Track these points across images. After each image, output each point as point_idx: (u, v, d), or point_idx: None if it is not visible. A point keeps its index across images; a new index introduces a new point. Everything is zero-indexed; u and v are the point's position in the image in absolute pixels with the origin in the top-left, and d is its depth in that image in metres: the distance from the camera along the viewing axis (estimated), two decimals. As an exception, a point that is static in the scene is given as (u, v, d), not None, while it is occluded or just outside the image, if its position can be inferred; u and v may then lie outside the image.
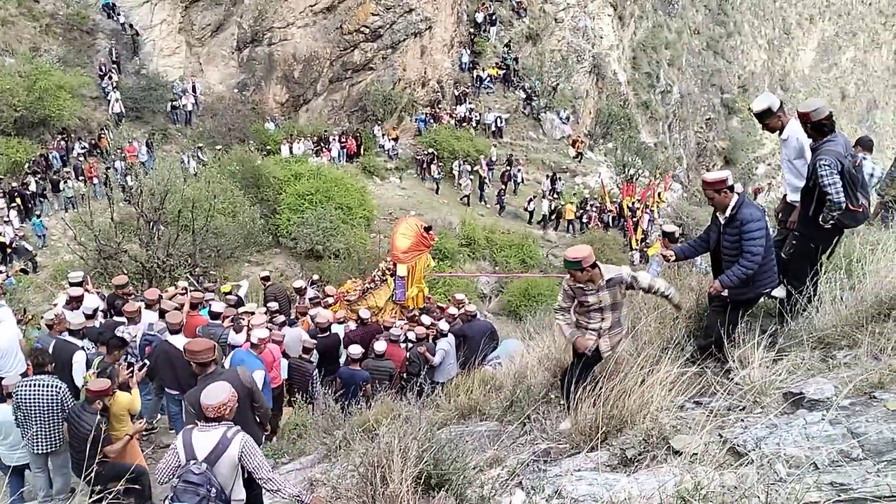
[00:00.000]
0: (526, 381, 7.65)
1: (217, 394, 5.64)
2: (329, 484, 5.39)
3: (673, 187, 43.49)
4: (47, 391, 8.29)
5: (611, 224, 37.40)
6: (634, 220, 36.08)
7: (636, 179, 39.30)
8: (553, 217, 37.00)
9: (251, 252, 25.62)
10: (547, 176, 39.93)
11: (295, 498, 5.48)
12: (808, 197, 6.29)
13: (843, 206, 5.94)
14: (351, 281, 16.43)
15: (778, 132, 6.59)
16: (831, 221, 6.10)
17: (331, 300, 14.42)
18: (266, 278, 16.39)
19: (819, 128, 6.14)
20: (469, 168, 38.58)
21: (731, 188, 6.16)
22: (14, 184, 27.24)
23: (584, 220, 37.01)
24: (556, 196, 38.24)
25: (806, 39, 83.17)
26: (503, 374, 9.40)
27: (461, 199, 36.99)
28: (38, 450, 8.42)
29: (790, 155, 6.49)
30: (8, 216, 25.48)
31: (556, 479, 4.85)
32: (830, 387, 4.99)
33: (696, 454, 4.43)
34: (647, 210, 36.94)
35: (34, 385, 8.30)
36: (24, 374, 8.88)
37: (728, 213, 6.15)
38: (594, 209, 37.63)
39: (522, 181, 39.37)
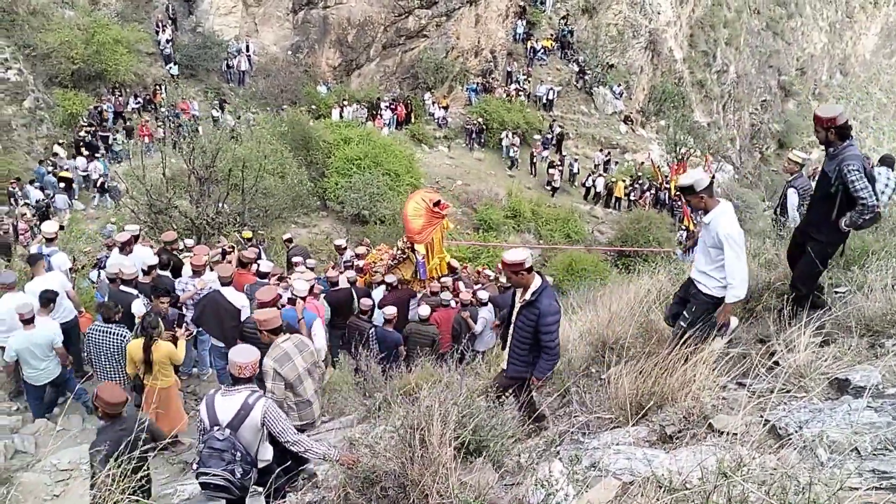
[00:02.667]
0: (567, 354, 7.66)
1: (248, 354, 5.76)
2: (367, 444, 5.44)
3: (724, 168, 42.87)
4: (114, 338, 9.23)
5: (665, 202, 36.98)
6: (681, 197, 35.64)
7: (687, 158, 38.79)
8: (606, 194, 36.76)
9: (298, 214, 25.80)
10: (601, 151, 39.67)
11: (323, 457, 5.57)
12: (827, 202, 6.18)
13: (876, 208, 5.90)
14: (376, 250, 16.39)
15: (702, 212, 6.29)
16: (860, 223, 6.07)
17: (361, 263, 14.60)
18: (289, 240, 16.52)
19: (842, 132, 6.05)
20: (518, 141, 38.42)
21: (530, 269, 6.18)
22: (82, 133, 27.74)
23: (634, 198, 36.68)
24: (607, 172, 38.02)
25: (869, 24, 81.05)
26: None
27: (550, 191, 36.71)
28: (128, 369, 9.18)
29: (708, 240, 6.24)
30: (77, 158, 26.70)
31: (593, 452, 4.86)
32: (877, 374, 4.94)
33: (737, 434, 4.41)
34: None
35: (104, 332, 9.23)
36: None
37: (528, 296, 6.18)
38: (644, 187, 37.27)
39: (573, 160, 39.07)
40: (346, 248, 16.07)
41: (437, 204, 13.88)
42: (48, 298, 9.55)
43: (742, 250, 5.97)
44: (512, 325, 6.41)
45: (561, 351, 6.21)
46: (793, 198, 9.74)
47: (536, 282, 6.20)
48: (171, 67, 33.95)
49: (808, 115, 57.48)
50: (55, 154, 26.94)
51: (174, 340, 9.22)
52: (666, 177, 37.52)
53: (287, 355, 6.87)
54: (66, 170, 26.10)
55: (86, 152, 27.05)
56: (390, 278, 13.17)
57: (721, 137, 49.74)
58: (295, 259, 13.87)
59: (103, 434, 6.14)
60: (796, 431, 4.35)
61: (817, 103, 64.13)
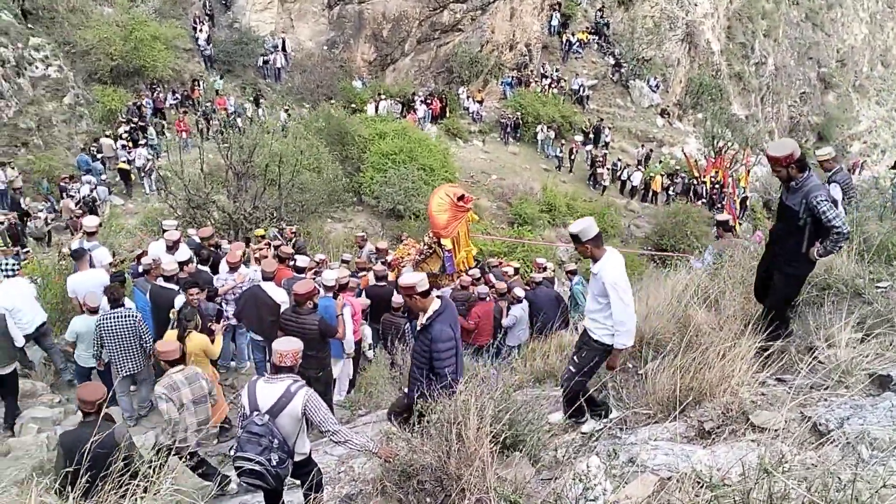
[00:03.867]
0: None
1: (290, 343, 5.81)
2: (404, 438, 5.46)
3: (762, 162, 42.34)
4: (127, 321, 9.53)
5: (703, 196, 36.64)
6: (725, 193, 35.32)
7: (725, 152, 38.40)
8: (643, 188, 36.52)
9: (334, 209, 25.93)
10: (642, 145, 39.46)
11: (363, 448, 5.59)
12: (795, 235, 6.11)
13: (850, 236, 5.96)
14: (403, 245, 16.44)
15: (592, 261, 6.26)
16: (834, 251, 6.03)
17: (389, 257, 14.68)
18: (295, 233, 16.69)
19: (801, 164, 6.02)
20: (553, 135, 38.31)
21: (427, 293, 6.14)
22: (121, 130, 28.14)
23: (672, 193, 36.39)
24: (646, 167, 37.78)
25: (912, 14, 79.65)
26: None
27: (601, 190, 36.50)
28: (123, 372, 9.48)
29: (596, 289, 6.21)
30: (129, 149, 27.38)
31: (631, 448, 4.85)
32: (920, 371, 4.88)
33: (777, 431, 4.37)
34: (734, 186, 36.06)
35: (115, 317, 9.53)
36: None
37: (423, 320, 6.16)
38: (685, 181, 36.99)
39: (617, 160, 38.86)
40: (367, 240, 16.26)
41: (461, 198, 13.93)
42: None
43: (629, 297, 5.99)
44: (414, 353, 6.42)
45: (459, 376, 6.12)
46: (836, 192, 9.64)
47: (434, 305, 6.17)
48: (213, 76, 34.36)
49: (849, 108, 56.79)
50: (97, 140, 27.56)
51: (211, 334, 9.33)
52: (703, 171, 37.19)
53: (175, 385, 7.29)
54: (125, 161, 26.71)
55: (128, 143, 27.58)
56: (379, 268, 13.17)
57: (759, 130, 49.12)
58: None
59: (69, 433, 6.55)
60: (837, 428, 4.31)
61: (857, 96, 63.27)
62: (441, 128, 37.00)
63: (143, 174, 27.03)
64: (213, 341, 9.26)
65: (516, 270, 15.41)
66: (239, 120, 28.08)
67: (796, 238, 6.07)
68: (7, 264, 17.18)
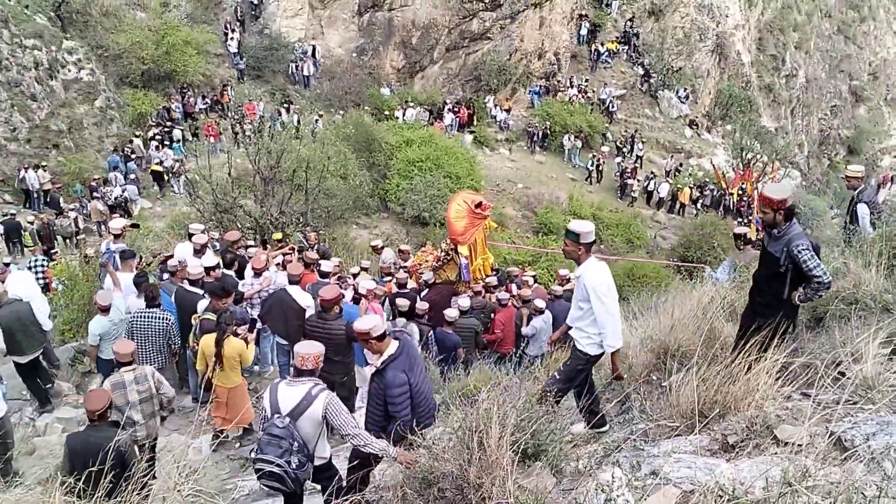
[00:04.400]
0: (627, 361, 7.59)
1: (312, 346, 5.85)
2: (426, 445, 5.47)
3: (792, 174, 42.04)
4: (159, 322, 9.89)
5: (731, 209, 36.42)
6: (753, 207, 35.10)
7: (754, 164, 38.15)
8: (670, 199, 36.36)
9: (359, 215, 26.02)
10: (671, 156, 39.32)
11: (382, 452, 5.60)
12: (776, 282, 6.12)
13: (831, 284, 5.90)
14: (421, 252, 16.47)
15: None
16: (814, 298, 6.06)
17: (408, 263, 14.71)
18: (319, 239, 16.77)
19: (789, 213, 6.04)
20: (580, 144, 38.26)
21: (382, 337, 6.17)
22: (150, 133, 28.45)
23: (701, 206, 36.18)
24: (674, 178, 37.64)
25: (945, 27, 78.82)
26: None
27: (629, 201, 36.42)
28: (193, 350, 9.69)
29: (578, 294, 6.23)
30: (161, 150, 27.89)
31: (653, 460, 4.82)
32: (949, 387, 4.82)
33: (801, 446, 4.33)
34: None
35: (148, 316, 9.88)
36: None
37: (378, 363, 6.21)
38: (714, 193, 36.78)
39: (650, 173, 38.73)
40: (383, 248, 16.31)
41: (478, 205, 13.96)
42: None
43: (612, 301, 6.05)
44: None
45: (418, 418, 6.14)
46: (863, 209, 9.58)
47: (389, 349, 6.20)
48: (240, 76, 34.73)
49: (880, 122, 56.21)
50: (131, 142, 27.99)
51: (244, 340, 9.43)
52: (731, 183, 36.95)
53: (122, 383, 7.66)
54: (157, 163, 27.10)
55: (156, 143, 28.00)
56: (427, 275, 13.20)
57: (789, 143, 48.73)
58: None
59: (75, 435, 6.82)
60: (863, 444, 4.26)
61: (889, 110, 62.66)
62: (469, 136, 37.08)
63: (171, 176, 27.30)
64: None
65: (535, 279, 15.38)
66: (276, 124, 28.42)
67: (778, 284, 6.11)
68: (37, 262, 17.52)
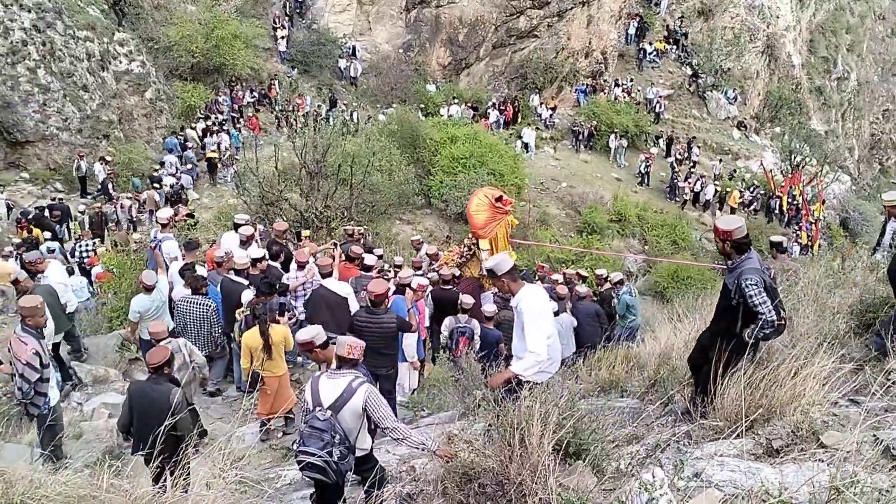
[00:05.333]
0: (671, 363, 7.54)
1: (350, 338, 5.91)
2: (466, 440, 5.48)
3: (841, 179, 41.40)
4: (201, 308, 10.23)
5: (777, 212, 35.95)
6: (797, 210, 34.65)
7: (802, 167, 37.60)
8: (717, 202, 35.95)
9: (403, 211, 26.09)
10: (720, 160, 38.91)
11: (421, 446, 5.62)
12: (730, 313, 6.08)
13: (776, 323, 5.80)
14: (448, 251, 16.53)
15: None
16: (762, 337, 5.94)
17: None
18: (362, 233, 16.72)
19: (739, 246, 6.03)
20: (625, 144, 38.00)
21: (326, 344, 6.33)
22: (202, 123, 28.79)
23: (752, 209, 35.71)
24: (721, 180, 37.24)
25: None
26: (646, 354, 9.30)
27: (679, 204, 36.11)
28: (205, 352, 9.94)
29: (517, 323, 6.32)
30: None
31: (696, 462, 4.79)
32: None
33: (848, 452, 4.27)
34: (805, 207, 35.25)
35: (192, 303, 10.26)
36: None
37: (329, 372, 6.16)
38: (766, 196, 36.32)
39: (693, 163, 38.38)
40: (422, 243, 16.53)
41: (499, 199, 14.03)
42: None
43: (545, 327, 6.29)
44: None
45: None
46: (893, 225, 9.61)
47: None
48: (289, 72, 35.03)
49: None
50: (182, 129, 28.67)
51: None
52: (780, 186, 36.46)
53: None
54: (215, 148, 27.61)
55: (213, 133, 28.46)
56: (445, 272, 13.15)
57: (839, 147, 48.03)
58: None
59: (135, 384, 7.67)
60: (912, 452, 4.19)
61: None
62: (513, 134, 36.99)
63: (222, 164, 27.72)
64: None
65: (568, 279, 15.31)
66: (329, 119, 28.86)
67: (732, 316, 6.08)
68: (85, 246, 17.93)
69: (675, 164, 37.09)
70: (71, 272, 16.60)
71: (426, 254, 15.16)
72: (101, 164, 24.59)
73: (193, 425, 7.17)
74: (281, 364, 9.12)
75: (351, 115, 33.09)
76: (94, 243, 19.19)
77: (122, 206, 23.10)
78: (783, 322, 6.04)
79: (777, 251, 11.42)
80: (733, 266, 6.08)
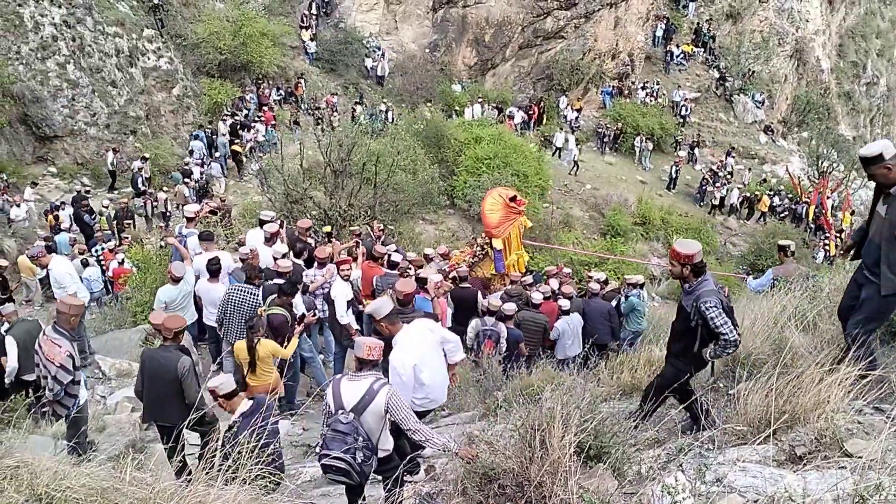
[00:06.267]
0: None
1: (370, 339, 5.90)
2: (487, 441, 5.47)
3: (868, 185, 40.90)
4: (251, 297, 10.20)
5: (802, 217, 35.65)
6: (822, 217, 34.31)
7: (830, 173, 37.27)
8: (743, 206, 35.70)
9: (427, 210, 26.10)
10: (749, 169, 38.70)
11: (443, 447, 5.60)
12: (688, 335, 6.19)
13: (737, 341, 5.92)
14: (459, 252, 16.56)
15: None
16: (722, 356, 6.12)
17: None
18: (383, 230, 16.69)
19: (698, 269, 6.09)
20: (650, 146, 37.84)
21: (232, 394, 6.36)
22: (229, 121, 28.92)
23: (780, 216, 35.43)
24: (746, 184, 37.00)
25: None
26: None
27: (707, 209, 35.95)
28: (233, 339, 9.84)
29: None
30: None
31: (718, 467, 4.76)
32: None
33: (873, 461, 4.23)
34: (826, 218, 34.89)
35: (243, 291, 10.25)
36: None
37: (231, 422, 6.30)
38: (794, 201, 36.04)
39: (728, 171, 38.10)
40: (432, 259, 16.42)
41: (513, 199, 14.12)
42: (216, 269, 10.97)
43: (408, 357, 6.49)
44: None
45: None
46: None
47: (242, 407, 6.32)
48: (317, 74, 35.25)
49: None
50: (210, 122, 28.86)
51: (288, 340, 9.52)
52: (809, 191, 36.13)
53: None
54: (237, 144, 27.80)
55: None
56: (462, 271, 13.13)
57: (867, 152, 47.50)
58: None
59: (147, 351, 8.22)
60: (938, 462, 4.14)
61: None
62: (537, 135, 36.94)
63: (249, 157, 28.01)
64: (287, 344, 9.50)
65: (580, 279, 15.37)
66: (370, 116, 29.14)
67: (689, 338, 6.16)
68: (96, 246, 18.24)
69: (706, 172, 36.87)
70: (85, 264, 16.89)
71: (438, 253, 15.25)
72: (141, 161, 24.71)
73: (199, 395, 7.26)
74: (267, 374, 9.07)
75: (386, 113, 33.15)
76: (110, 239, 19.41)
77: (155, 201, 23.31)
78: (738, 340, 6.15)
79: (784, 254, 11.37)
80: (690, 289, 6.13)
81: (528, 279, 14.38)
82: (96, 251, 18.46)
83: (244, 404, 6.30)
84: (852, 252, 6.38)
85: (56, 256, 12.98)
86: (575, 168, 34.58)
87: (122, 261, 16.90)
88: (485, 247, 14.82)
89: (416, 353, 6.58)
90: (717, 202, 35.29)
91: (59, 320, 8.00)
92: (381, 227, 16.76)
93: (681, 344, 6.34)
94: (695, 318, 6.02)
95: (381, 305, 6.64)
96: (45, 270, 12.95)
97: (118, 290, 16.36)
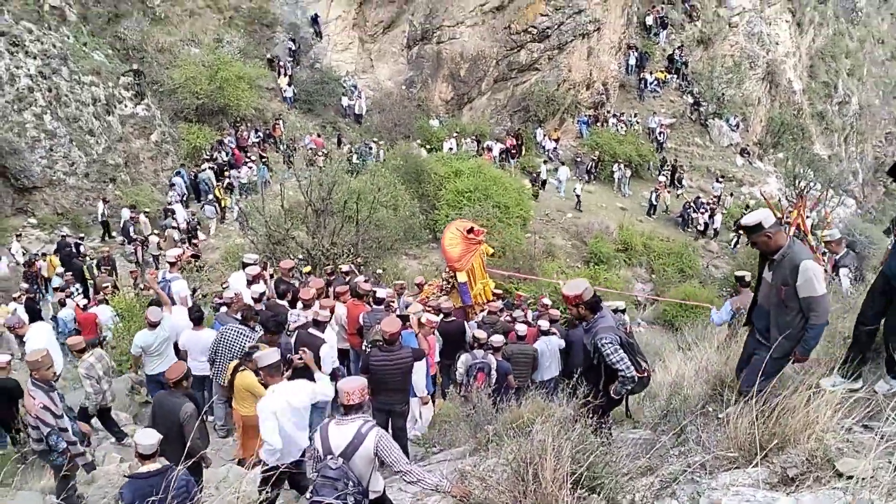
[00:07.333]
0: (682, 392, 7.50)
1: (355, 381, 5.87)
2: (479, 476, 5.45)
3: (846, 203, 41.34)
4: (244, 339, 10.04)
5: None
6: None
7: (807, 192, 37.58)
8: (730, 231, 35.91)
9: (410, 245, 26.11)
10: (731, 194, 39.07)
11: (435, 487, 5.59)
12: (594, 371, 6.40)
13: (636, 378, 6.09)
14: (428, 285, 16.66)
15: None
16: (625, 392, 6.33)
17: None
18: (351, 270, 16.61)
19: (592, 306, 6.26)
20: (629, 173, 38.10)
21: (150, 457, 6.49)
22: (207, 165, 28.91)
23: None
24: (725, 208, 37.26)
25: None
26: (657, 384, 9.26)
27: (695, 235, 35.96)
28: (223, 381, 9.97)
29: None
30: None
31: (711, 493, 4.76)
32: None
33: (864, 479, 4.24)
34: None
35: (237, 333, 10.27)
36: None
37: None
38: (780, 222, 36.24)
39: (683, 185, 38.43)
40: (404, 289, 16.26)
41: (470, 231, 14.27)
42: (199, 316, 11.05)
43: (269, 423, 6.74)
44: None
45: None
46: (844, 277, 10.32)
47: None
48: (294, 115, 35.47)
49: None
50: (198, 167, 28.82)
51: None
52: (789, 211, 36.32)
53: (91, 364, 9.68)
54: (218, 186, 27.86)
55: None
56: (446, 304, 13.19)
57: (843, 171, 48.07)
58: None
59: (157, 395, 8.44)
60: (929, 478, 4.16)
61: None
62: (516, 166, 37.14)
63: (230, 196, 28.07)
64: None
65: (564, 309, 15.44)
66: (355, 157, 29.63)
67: (595, 375, 6.35)
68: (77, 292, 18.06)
69: (689, 198, 37.14)
70: (63, 304, 16.76)
71: (416, 283, 15.32)
72: (130, 210, 24.55)
73: (203, 442, 7.52)
74: (246, 406, 8.91)
75: (378, 153, 33.35)
76: (77, 289, 19.22)
77: (146, 245, 23.24)
78: (646, 374, 6.38)
79: (741, 285, 11.55)
80: (588, 327, 6.31)
81: (499, 304, 14.47)
82: (75, 291, 18.35)
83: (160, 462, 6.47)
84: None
85: (34, 327, 12.83)
86: (577, 203, 34.77)
87: (85, 306, 16.70)
88: (450, 280, 14.97)
89: (281, 407, 6.81)
90: (701, 227, 35.45)
91: (32, 374, 7.97)
92: (344, 269, 16.53)
93: (590, 382, 6.46)
94: (595, 356, 6.17)
95: (266, 355, 7.03)
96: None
97: (87, 337, 16.15)
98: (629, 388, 6.19)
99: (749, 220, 5.73)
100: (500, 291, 16.50)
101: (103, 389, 9.90)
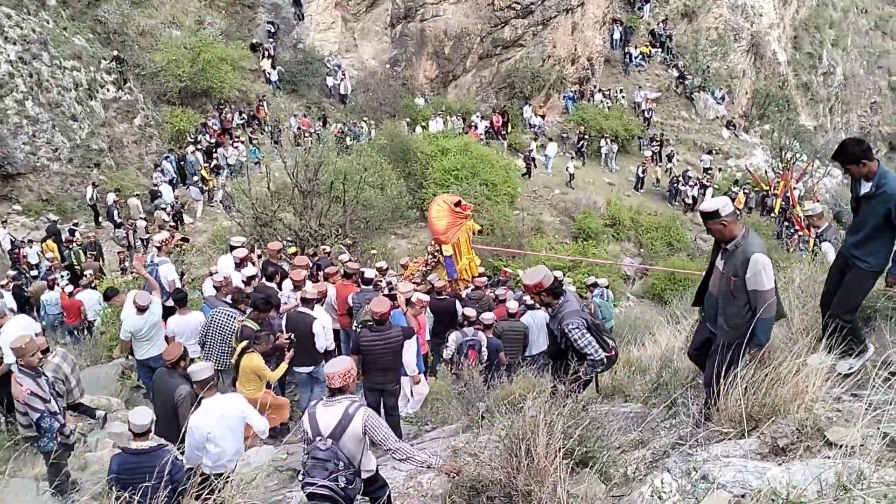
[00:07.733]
0: (672, 365, 7.54)
1: (338, 364, 5.85)
2: (472, 453, 5.46)
3: (833, 173, 41.42)
4: (233, 321, 10.10)
5: (771, 209, 35.90)
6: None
7: (793, 164, 37.68)
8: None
9: (398, 225, 26.07)
10: (720, 169, 39.04)
11: (425, 464, 5.60)
12: (564, 355, 6.46)
13: (604, 360, 6.22)
14: (413, 262, 16.68)
15: None
16: (596, 374, 6.51)
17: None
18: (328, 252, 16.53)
19: (554, 291, 6.33)
20: (615, 148, 38.04)
21: None
22: (191, 148, 28.77)
23: (745, 207, 35.65)
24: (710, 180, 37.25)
25: None
26: (648, 357, 9.30)
27: (683, 209, 35.91)
28: (218, 366, 9.66)
29: None
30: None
31: (702, 465, 4.78)
32: None
33: (854, 447, 4.27)
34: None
35: (226, 314, 10.28)
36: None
37: None
38: (754, 194, 36.30)
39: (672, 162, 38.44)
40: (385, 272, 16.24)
41: (457, 204, 14.31)
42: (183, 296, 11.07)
43: (197, 433, 6.79)
44: None
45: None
46: (828, 249, 10.09)
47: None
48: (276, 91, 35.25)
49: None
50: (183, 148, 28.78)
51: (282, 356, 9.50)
52: (776, 182, 36.40)
53: (57, 366, 9.07)
54: (205, 167, 27.91)
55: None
56: (438, 283, 13.16)
57: (828, 141, 48.11)
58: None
59: (157, 374, 8.53)
60: (918, 444, 4.20)
61: None
62: (507, 145, 37.08)
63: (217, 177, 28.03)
64: (278, 365, 9.53)
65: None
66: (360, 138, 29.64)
67: (565, 358, 6.37)
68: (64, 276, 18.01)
69: (678, 172, 37.14)
70: (50, 287, 16.69)
71: (401, 264, 15.34)
72: (114, 194, 24.56)
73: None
74: (250, 388, 9.00)
75: (370, 132, 33.24)
76: (65, 275, 19.17)
77: (135, 229, 23.20)
78: (614, 354, 6.48)
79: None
80: (553, 313, 6.38)
81: (484, 280, 14.54)
82: (63, 277, 18.30)
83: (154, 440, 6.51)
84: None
85: (12, 320, 12.65)
86: (570, 180, 34.76)
87: (71, 293, 16.65)
88: (436, 254, 15.00)
89: (213, 424, 6.81)
90: (690, 201, 35.46)
91: (18, 360, 7.96)
92: (327, 249, 16.44)
93: (559, 364, 6.53)
94: (562, 341, 6.24)
95: (201, 370, 7.05)
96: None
97: (71, 322, 16.17)
98: (598, 370, 6.31)
99: (707, 206, 5.71)
100: (484, 276, 16.36)
101: (72, 388, 9.58)
